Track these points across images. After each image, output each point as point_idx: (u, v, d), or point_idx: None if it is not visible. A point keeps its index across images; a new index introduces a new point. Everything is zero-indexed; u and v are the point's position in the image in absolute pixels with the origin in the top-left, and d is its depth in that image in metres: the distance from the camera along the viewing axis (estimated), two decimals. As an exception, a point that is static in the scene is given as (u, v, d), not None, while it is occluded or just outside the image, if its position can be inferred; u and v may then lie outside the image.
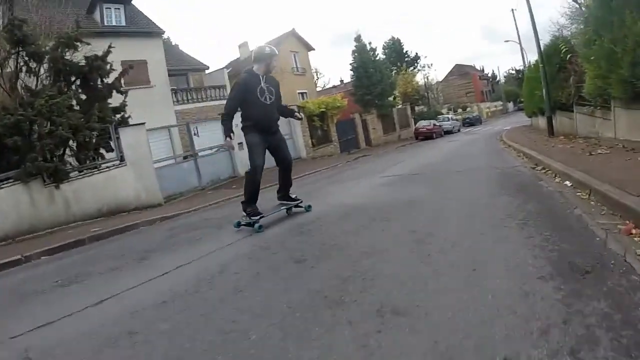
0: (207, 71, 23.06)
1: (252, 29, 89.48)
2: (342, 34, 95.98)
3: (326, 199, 5.29)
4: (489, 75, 63.87)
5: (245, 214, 3.85)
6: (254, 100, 3.81)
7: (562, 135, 9.87)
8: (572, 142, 7.91)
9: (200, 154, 11.12)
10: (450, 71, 55.17)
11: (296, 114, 4.63)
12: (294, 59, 26.97)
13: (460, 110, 39.04)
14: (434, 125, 23.32)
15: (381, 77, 24.44)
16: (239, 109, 3.90)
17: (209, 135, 11.61)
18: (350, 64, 25.18)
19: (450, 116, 28.55)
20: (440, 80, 52.13)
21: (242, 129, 3.93)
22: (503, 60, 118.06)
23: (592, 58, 6.53)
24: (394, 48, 33.49)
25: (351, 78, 24.91)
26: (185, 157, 11.32)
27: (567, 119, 10.36)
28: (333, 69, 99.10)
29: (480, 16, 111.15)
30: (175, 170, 10.47)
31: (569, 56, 9.35)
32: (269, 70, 3.99)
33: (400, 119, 25.81)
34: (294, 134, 16.60)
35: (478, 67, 60.86)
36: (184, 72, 20.63)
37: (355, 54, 25.18)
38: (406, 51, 33.86)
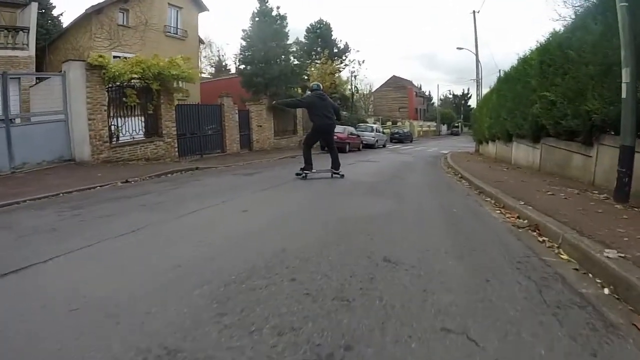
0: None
1: None
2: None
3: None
4: (426, 94, 61.16)
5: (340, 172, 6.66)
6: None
7: None
8: None
9: None
10: (386, 82, 50.57)
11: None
12: (174, 15, 18.61)
13: (389, 123, 33.43)
14: (350, 134, 16.62)
15: (284, 57, 17.21)
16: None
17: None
18: (244, 30, 17.57)
19: (375, 126, 22.14)
20: (374, 90, 47.11)
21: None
22: (440, 86, 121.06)
23: None
24: (320, 32, 26.48)
25: (240, 51, 17.27)
26: None
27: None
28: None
29: (421, 43, 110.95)
30: None
31: None
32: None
33: (307, 119, 18.62)
34: (70, 114, 8.40)
35: (416, 84, 57.55)
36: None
37: (256, 19, 17.64)
38: (335, 39, 27.10)
